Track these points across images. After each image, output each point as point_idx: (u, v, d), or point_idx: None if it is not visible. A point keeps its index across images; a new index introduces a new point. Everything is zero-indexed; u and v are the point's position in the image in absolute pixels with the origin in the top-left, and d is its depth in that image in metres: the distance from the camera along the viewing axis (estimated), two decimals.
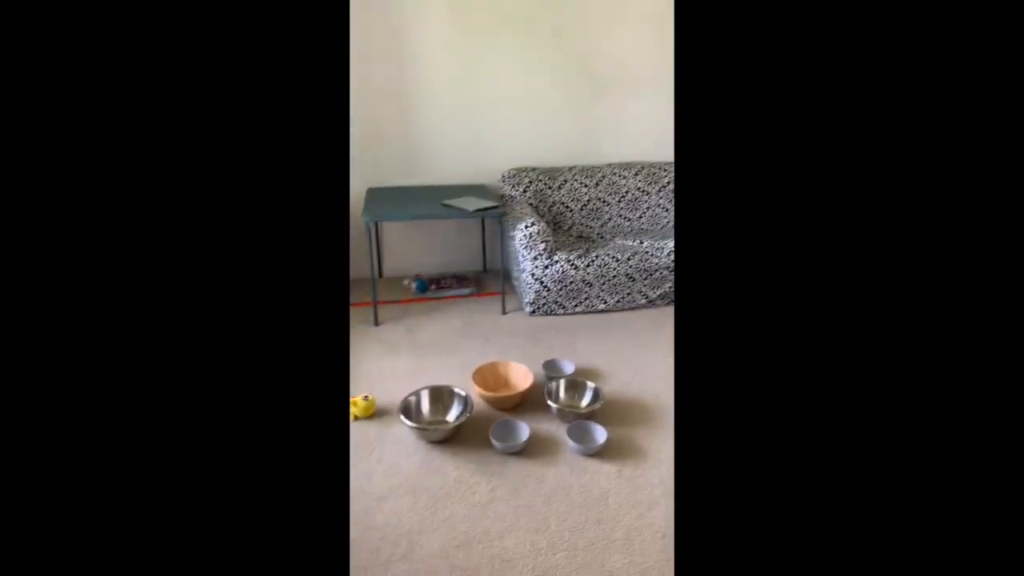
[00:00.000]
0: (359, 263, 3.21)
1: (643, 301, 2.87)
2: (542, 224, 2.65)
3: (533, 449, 1.86)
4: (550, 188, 3.05)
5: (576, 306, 2.80)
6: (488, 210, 2.63)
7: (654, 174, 3.14)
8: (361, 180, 3.07)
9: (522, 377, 2.13)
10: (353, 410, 1.97)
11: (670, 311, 2.88)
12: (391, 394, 2.13)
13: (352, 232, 3.14)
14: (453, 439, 1.90)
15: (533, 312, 2.78)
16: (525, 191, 3.01)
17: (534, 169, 3.07)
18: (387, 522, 1.57)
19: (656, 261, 2.78)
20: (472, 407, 1.94)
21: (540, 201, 3.03)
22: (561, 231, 3.07)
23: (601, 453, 1.83)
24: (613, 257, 2.73)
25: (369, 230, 2.63)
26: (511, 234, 2.76)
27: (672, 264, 2.81)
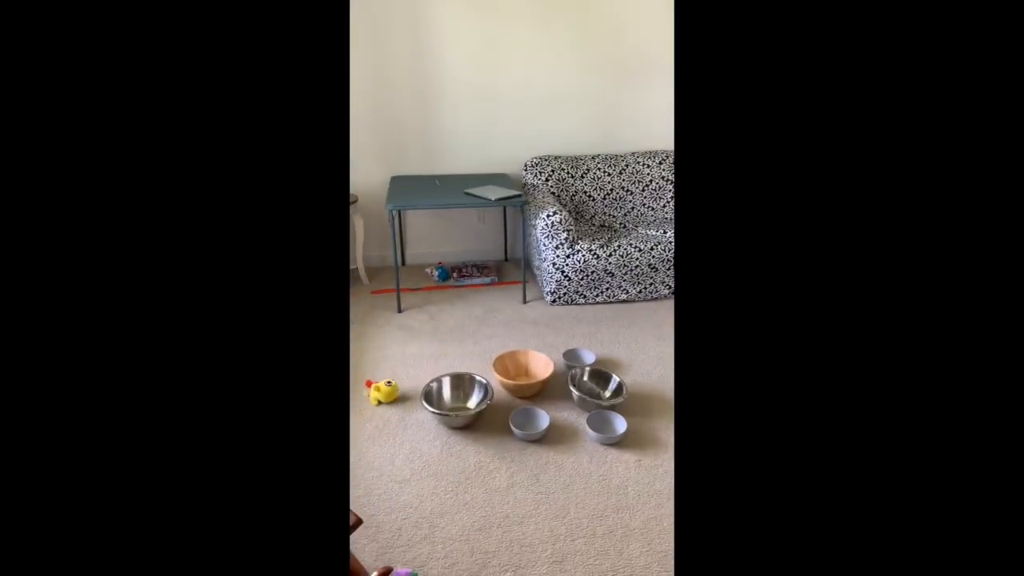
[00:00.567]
0: (383, 251, 3.25)
1: (666, 292, 2.84)
2: (564, 213, 2.64)
3: (553, 437, 1.87)
4: (572, 177, 3.03)
5: (597, 296, 2.80)
6: (510, 199, 2.63)
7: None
8: (385, 169, 3.10)
9: (542, 366, 2.14)
10: (376, 395, 2.01)
11: None
12: (413, 380, 2.17)
13: (376, 220, 3.17)
14: (474, 425, 1.93)
15: (554, 301, 2.78)
16: (547, 180, 3.00)
17: (556, 158, 3.05)
18: (409, 504, 1.60)
19: None
20: (493, 394, 1.96)
21: (562, 190, 3.02)
22: (583, 220, 3.06)
23: (621, 443, 1.84)
24: (636, 247, 2.71)
25: (392, 218, 2.66)
26: (533, 223, 2.76)
27: None
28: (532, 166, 3.03)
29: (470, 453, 1.80)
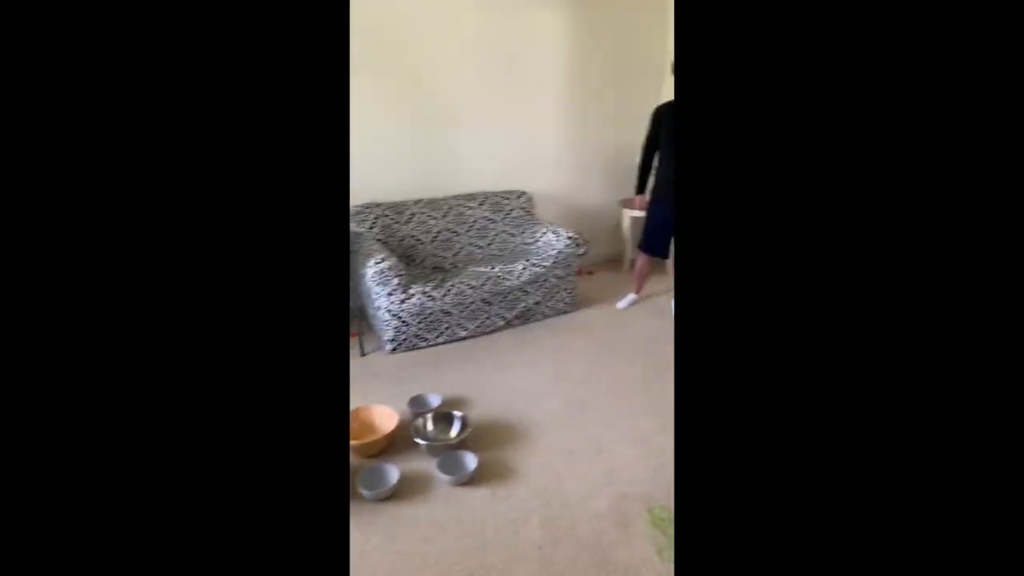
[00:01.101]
0: None
1: (502, 323, 2.98)
2: (393, 259, 2.63)
3: (405, 490, 1.81)
4: (397, 223, 3.05)
5: (438, 337, 2.82)
6: None
7: (498, 203, 3.31)
8: None
9: (387, 419, 2.08)
10: None
11: (527, 330, 3.02)
12: None
13: None
14: None
15: (394, 349, 2.73)
16: (372, 227, 2.97)
17: (379, 205, 3.05)
18: None
19: (509, 283, 2.91)
20: None
21: (389, 236, 3.02)
22: (415, 264, 3.08)
23: (473, 481, 1.85)
24: (468, 284, 2.80)
25: None
26: (362, 272, 2.70)
27: (523, 285, 2.97)
28: (355, 215, 2.98)
29: None
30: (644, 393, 2.38)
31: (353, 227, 2.97)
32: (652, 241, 3.13)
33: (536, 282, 3.02)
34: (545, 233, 3.23)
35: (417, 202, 3.13)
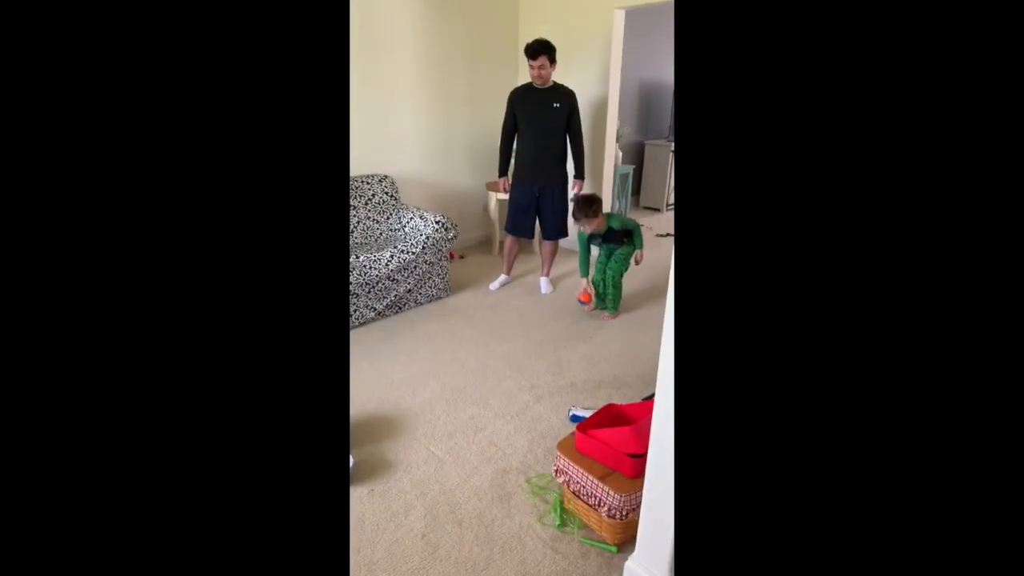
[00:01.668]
0: None
1: (372, 315, 2.87)
2: None
3: None
4: None
5: None
6: None
7: (358, 187, 3.15)
8: None
9: None
10: None
11: (400, 319, 2.95)
12: None
13: None
14: None
15: None
16: None
17: None
18: None
19: (376, 272, 2.80)
20: None
21: None
22: None
23: (351, 479, 1.77)
24: None
25: None
26: None
27: (392, 274, 2.88)
28: None
29: None
30: (518, 369, 2.46)
31: None
32: (517, 221, 3.21)
33: (406, 269, 2.95)
34: (412, 218, 3.16)
35: None
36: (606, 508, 1.47)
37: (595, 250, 3.03)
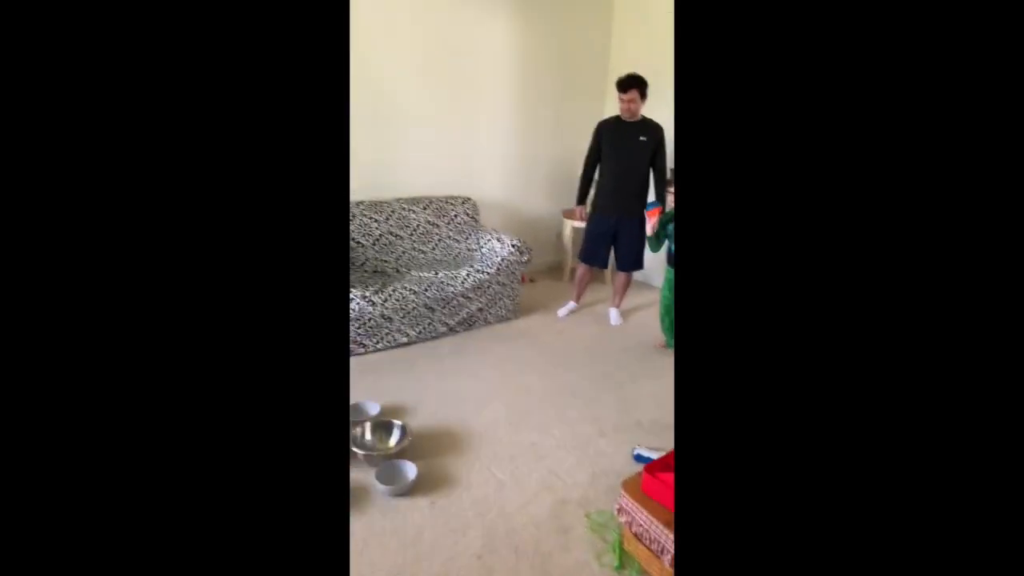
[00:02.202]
0: None
1: (444, 330, 2.95)
2: None
3: None
4: None
5: (378, 343, 2.75)
6: None
7: (441, 207, 3.28)
8: None
9: None
10: None
11: (470, 336, 3.01)
12: None
13: None
14: None
15: None
16: None
17: None
18: None
19: (452, 289, 2.89)
20: None
21: None
22: (355, 267, 2.99)
23: (412, 490, 1.82)
24: (410, 290, 2.76)
25: None
26: None
27: (467, 292, 2.96)
28: None
29: None
30: (583, 400, 2.44)
31: None
32: (592, 250, 3.21)
33: (480, 288, 3.02)
34: (489, 240, 3.24)
35: (359, 204, 3.05)
36: (669, 556, 1.41)
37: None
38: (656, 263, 3.74)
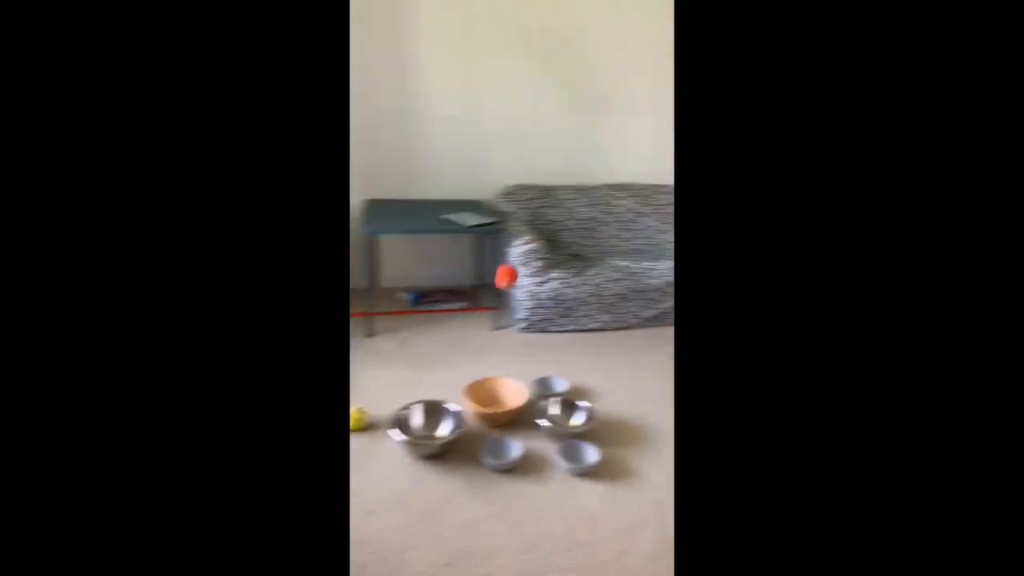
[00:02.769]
0: (355, 274, 3.21)
1: (636, 321, 2.89)
2: (539, 242, 2.67)
3: (524, 467, 1.85)
4: (547, 206, 3.08)
5: (569, 324, 2.82)
6: (486, 226, 2.65)
7: (647, 195, 3.18)
8: (360, 192, 3.08)
9: (515, 394, 2.13)
10: None
11: (663, 332, 2.90)
12: (383, 406, 2.12)
13: (350, 243, 3.14)
14: (444, 455, 1.89)
15: (526, 329, 2.79)
16: (523, 208, 3.04)
17: (533, 187, 3.10)
18: (375, 538, 1.55)
19: (649, 282, 2.80)
20: (464, 423, 1.93)
21: (536, 218, 3.06)
22: (556, 249, 3.10)
23: (592, 473, 1.83)
24: (606, 277, 2.75)
25: (367, 242, 2.63)
26: (507, 250, 2.78)
27: (665, 286, 2.84)
28: (508, 194, 3.07)
29: (439, 484, 1.76)
30: None
31: (504, 206, 3.06)
32: None
33: None
34: None
35: (568, 188, 3.13)
36: None
37: None
38: None
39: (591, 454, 1.86)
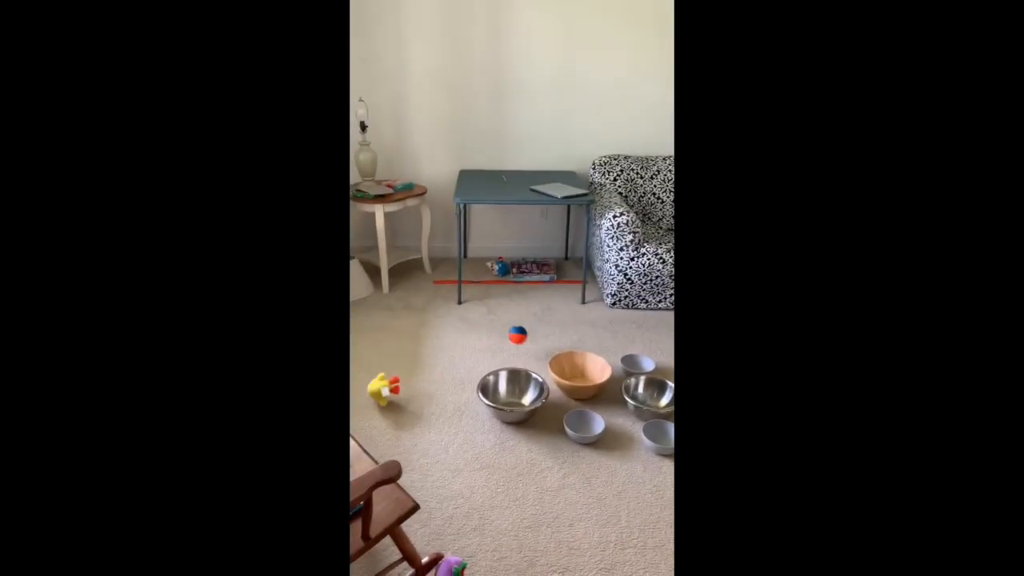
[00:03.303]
0: (446, 242, 3.31)
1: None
2: (631, 214, 2.59)
3: (606, 442, 1.85)
4: (642, 178, 2.96)
5: (659, 302, 2.73)
6: (576, 197, 2.61)
7: None
8: (454, 162, 3.14)
9: (599, 369, 2.12)
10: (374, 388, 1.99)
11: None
12: (470, 371, 2.20)
13: (442, 212, 3.23)
14: (527, 422, 1.93)
15: (613, 304, 2.74)
16: (615, 179, 2.95)
17: (626, 157, 2.99)
18: (460, 493, 1.63)
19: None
20: (548, 393, 1.96)
21: (630, 190, 2.96)
22: (650, 223, 2.99)
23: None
24: None
25: (459, 211, 2.70)
26: (598, 223, 2.72)
27: None
28: (601, 165, 2.99)
29: (523, 449, 1.81)
30: None
31: (596, 177, 2.98)
32: None
33: None
34: None
35: (666, 159, 2.99)
36: None
37: None
38: None
39: None
